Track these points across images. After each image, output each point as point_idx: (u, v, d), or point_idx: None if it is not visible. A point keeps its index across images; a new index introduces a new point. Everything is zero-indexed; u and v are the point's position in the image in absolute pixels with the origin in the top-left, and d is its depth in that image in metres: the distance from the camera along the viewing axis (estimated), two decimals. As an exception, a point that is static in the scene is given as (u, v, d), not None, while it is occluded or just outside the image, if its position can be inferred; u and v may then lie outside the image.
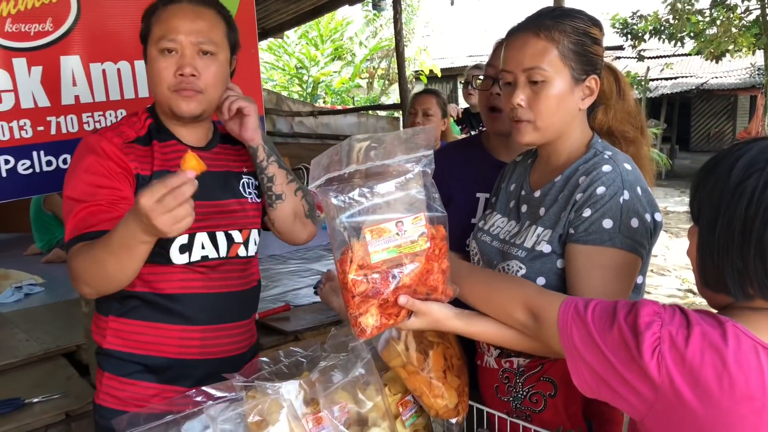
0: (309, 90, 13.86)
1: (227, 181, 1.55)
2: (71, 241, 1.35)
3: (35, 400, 2.01)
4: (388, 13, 13.86)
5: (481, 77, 1.87)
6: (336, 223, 1.07)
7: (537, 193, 1.36)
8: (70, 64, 2.18)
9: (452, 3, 9.09)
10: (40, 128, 2.15)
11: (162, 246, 1.41)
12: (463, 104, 5.59)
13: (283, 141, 7.50)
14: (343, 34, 14.90)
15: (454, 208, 1.56)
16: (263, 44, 12.36)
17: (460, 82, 3.83)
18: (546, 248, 1.26)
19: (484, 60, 2.09)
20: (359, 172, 1.08)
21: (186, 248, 1.46)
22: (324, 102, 13.88)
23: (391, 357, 1.31)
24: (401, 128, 6.24)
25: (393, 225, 1.07)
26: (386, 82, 15.16)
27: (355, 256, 1.06)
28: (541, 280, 1.26)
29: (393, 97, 14.66)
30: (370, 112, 7.52)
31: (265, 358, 1.38)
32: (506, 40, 1.33)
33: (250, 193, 1.59)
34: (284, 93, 13.17)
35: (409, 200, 1.10)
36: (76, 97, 2.21)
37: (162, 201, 1.10)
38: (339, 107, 10.03)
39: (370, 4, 5.48)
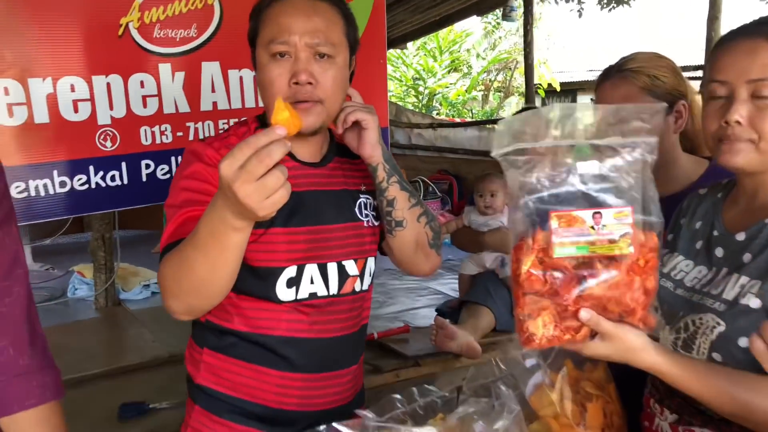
0: (424, 101, 13.82)
1: (342, 201, 1.33)
2: (165, 249, 1.15)
3: (159, 406, 1.99)
4: (508, 25, 13.57)
5: None
6: (519, 203, 0.91)
7: (740, 236, 1.13)
8: (211, 70, 2.18)
9: (580, 15, 8.71)
10: (180, 134, 2.16)
11: (267, 279, 1.24)
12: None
13: (400, 153, 7.43)
14: (461, 45, 14.76)
15: None
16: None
17: (592, 99, 3.55)
18: (754, 303, 1.04)
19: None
20: (557, 149, 0.91)
21: (293, 282, 1.25)
22: (439, 114, 13.79)
23: (542, 405, 1.13)
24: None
25: (589, 215, 0.89)
26: (502, 94, 14.84)
27: (536, 246, 0.90)
28: (743, 341, 1.04)
29: (508, 110, 14.33)
30: (490, 125, 7.30)
31: (397, 396, 1.25)
32: (722, 45, 1.11)
33: (366, 216, 1.36)
34: (400, 104, 13.20)
35: (615, 192, 0.91)
36: (214, 104, 2.21)
37: (246, 166, 0.87)
38: (458, 120, 9.86)
39: (500, 15, 5.29)
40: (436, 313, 2.94)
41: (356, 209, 1.34)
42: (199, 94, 2.17)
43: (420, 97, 13.96)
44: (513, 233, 0.94)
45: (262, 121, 1.31)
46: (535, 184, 0.91)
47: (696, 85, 1.59)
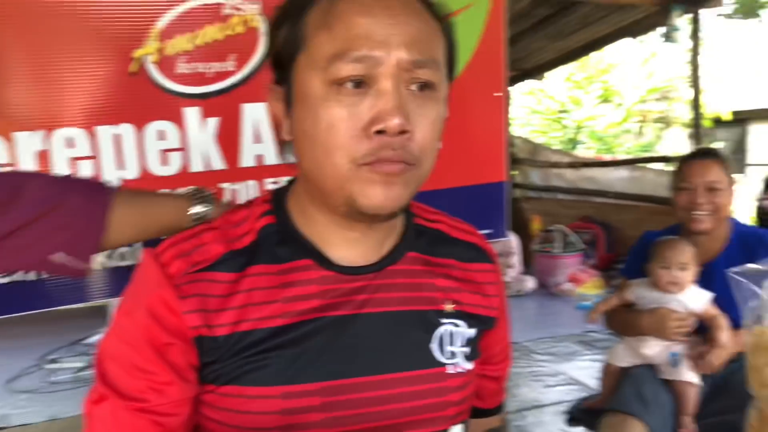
0: (569, 135, 12.82)
1: (407, 331, 0.82)
2: None
3: None
4: (667, 53, 12.26)
5: None
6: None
7: None
8: (254, 114, 1.67)
9: (760, 35, 7.50)
10: (211, 197, 1.66)
11: None
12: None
13: (536, 195, 6.64)
14: (613, 75, 13.64)
15: None
16: (525, 87, 11.73)
17: None
18: None
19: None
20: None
21: None
22: (586, 149, 12.72)
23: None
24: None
25: None
26: (661, 126, 13.48)
27: None
28: None
29: (667, 145, 12.96)
30: (646, 164, 6.27)
31: None
32: None
33: (453, 355, 0.84)
34: (542, 139, 12.34)
35: None
36: (259, 158, 1.69)
37: None
38: (606, 158, 8.75)
39: (659, 38, 4.47)
40: (566, 419, 2.24)
41: (434, 343, 0.83)
42: (238, 145, 1.67)
43: (564, 131, 12.98)
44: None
45: (278, 203, 0.83)
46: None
47: None
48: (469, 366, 0.85)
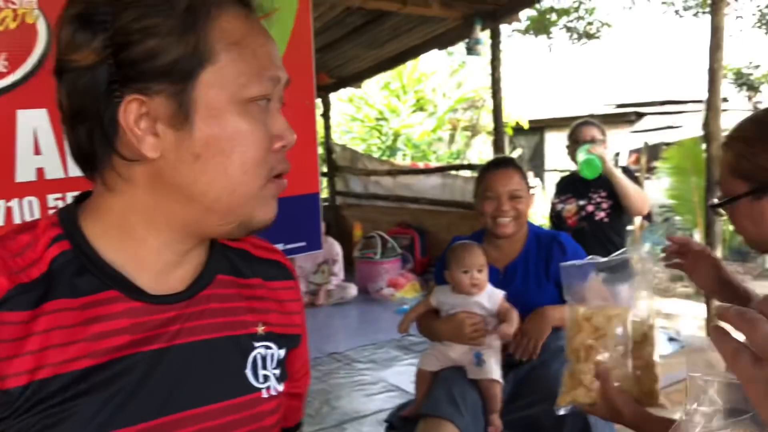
0: (388, 143, 13.24)
1: (226, 358, 0.78)
2: None
3: None
4: (473, 65, 13.14)
5: None
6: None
7: None
8: (33, 122, 1.48)
9: (550, 50, 8.30)
10: (-20, 218, 1.44)
11: None
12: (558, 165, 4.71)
13: (356, 202, 6.75)
14: (426, 84, 14.32)
15: None
16: (343, 95, 11.90)
17: (568, 146, 3.03)
18: None
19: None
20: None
21: None
22: (404, 156, 13.20)
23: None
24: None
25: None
26: (470, 134, 14.37)
27: None
28: None
29: (475, 151, 13.87)
30: (457, 171, 6.63)
31: None
32: None
33: (266, 378, 0.81)
34: (362, 146, 12.60)
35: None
36: (39, 171, 1.49)
37: None
38: (421, 166, 9.12)
39: (464, 49, 4.73)
40: (385, 428, 2.24)
41: (249, 369, 0.80)
42: (14, 158, 1.47)
43: (383, 139, 13.39)
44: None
45: (71, 222, 0.72)
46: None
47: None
48: (281, 388, 0.83)
